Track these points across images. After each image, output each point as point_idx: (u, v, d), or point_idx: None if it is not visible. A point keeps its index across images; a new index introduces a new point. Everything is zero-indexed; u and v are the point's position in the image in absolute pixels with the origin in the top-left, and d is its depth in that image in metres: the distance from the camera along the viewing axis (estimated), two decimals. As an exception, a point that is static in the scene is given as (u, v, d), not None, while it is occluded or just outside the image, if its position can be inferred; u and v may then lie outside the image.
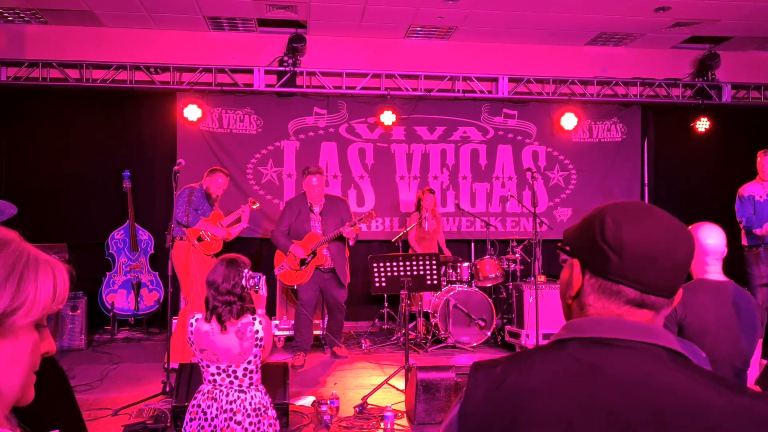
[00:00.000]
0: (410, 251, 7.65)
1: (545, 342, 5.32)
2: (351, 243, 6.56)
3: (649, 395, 1.05)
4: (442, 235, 8.01)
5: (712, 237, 3.08)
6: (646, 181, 9.32)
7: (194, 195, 6.20)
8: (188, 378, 4.39)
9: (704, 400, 1.04)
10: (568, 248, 1.25)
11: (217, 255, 6.21)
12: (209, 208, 6.40)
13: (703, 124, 8.80)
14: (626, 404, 1.05)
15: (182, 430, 3.29)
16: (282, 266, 6.46)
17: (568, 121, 8.60)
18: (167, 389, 5.00)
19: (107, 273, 7.84)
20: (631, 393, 1.05)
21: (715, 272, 3.08)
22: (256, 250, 8.26)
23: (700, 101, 8.74)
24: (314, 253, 6.38)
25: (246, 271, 3.24)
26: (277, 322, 7.22)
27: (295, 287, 6.48)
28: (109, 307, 7.68)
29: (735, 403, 1.04)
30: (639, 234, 1.13)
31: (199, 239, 6.21)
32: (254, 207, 6.76)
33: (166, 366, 5.30)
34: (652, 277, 1.13)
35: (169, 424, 4.32)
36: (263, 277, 3.32)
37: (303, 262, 6.38)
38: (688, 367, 1.10)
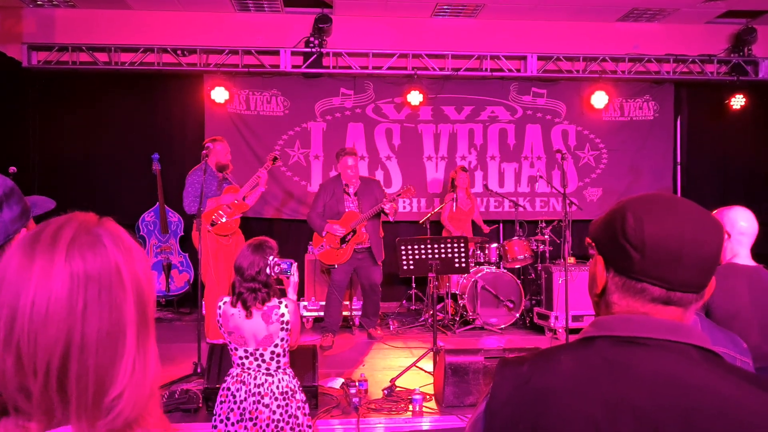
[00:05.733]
0: (444, 232, 7.63)
1: (574, 324, 5.28)
2: (391, 219, 6.49)
3: (678, 395, 1.02)
4: (477, 214, 7.94)
5: (744, 219, 3.01)
6: (678, 160, 9.14)
7: (195, 183, 6.00)
8: (219, 359, 4.44)
9: (736, 400, 1.01)
10: (594, 244, 1.22)
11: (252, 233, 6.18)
12: (222, 184, 6.25)
13: (738, 101, 8.58)
14: (655, 405, 1.03)
15: (213, 412, 3.33)
16: (322, 246, 6.44)
17: (599, 99, 8.44)
18: (198, 370, 5.07)
19: (138, 254, 7.94)
20: (659, 393, 1.03)
21: (744, 256, 3.02)
22: (283, 231, 8.31)
23: (736, 78, 8.51)
24: (354, 231, 6.38)
25: (271, 258, 3.24)
26: (305, 303, 7.26)
27: (336, 266, 6.47)
28: (141, 288, 7.79)
29: None
30: (661, 230, 1.10)
31: (212, 224, 6.07)
32: (274, 163, 6.27)
33: (207, 341, 5.41)
34: (678, 274, 1.09)
35: (200, 405, 4.38)
36: (295, 264, 3.31)
37: (343, 240, 6.37)
38: (720, 366, 1.07)
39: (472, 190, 8.34)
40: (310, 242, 7.20)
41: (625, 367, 1.07)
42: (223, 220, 6.12)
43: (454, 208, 7.54)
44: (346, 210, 6.44)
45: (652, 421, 1.02)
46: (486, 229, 7.89)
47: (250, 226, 6.48)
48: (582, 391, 1.08)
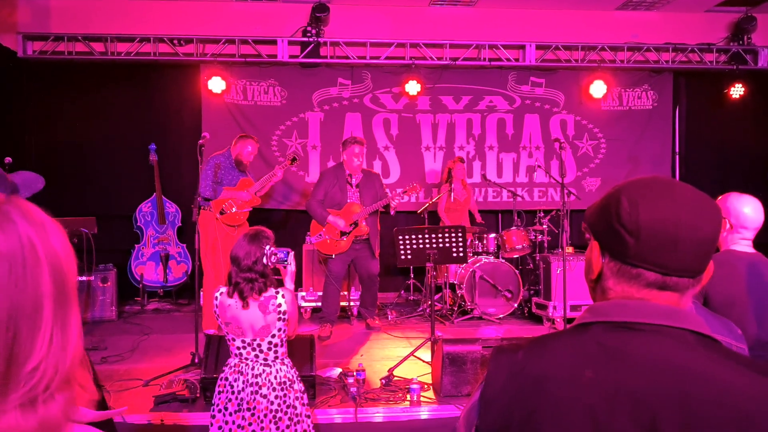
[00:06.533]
0: (441, 223, 7.61)
1: (573, 314, 5.25)
2: (392, 213, 6.47)
3: (675, 381, 1.01)
4: (474, 204, 7.92)
5: (749, 208, 2.98)
6: (677, 150, 9.13)
7: (220, 167, 6.17)
8: (216, 350, 4.43)
9: (734, 386, 1.00)
10: (589, 230, 1.21)
11: (251, 223, 6.24)
12: (238, 175, 6.34)
13: (737, 90, 8.56)
14: (652, 391, 1.01)
15: (211, 402, 3.33)
16: (320, 235, 6.39)
17: (598, 88, 8.42)
18: (196, 360, 5.07)
19: (136, 245, 7.94)
20: (656, 379, 1.02)
21: (745, 245, 3.00)
22: (281, 222, 8.30)
23: (735, 66, 8.48)
24: (356, 224, 6.36)
25: (268, 247, 3.22)
26: (303, 293, 7.26)
27: (333, 256, 6.45)
28: (139, 278, 7.79)
29: (767, 388, 1.00)
30: (657, 214, 1.08)
31: (222, 212, 6.16)
32: (292, 164, 6.48)
33: (205, 333, 5.41)
34: (674, 258, 1.08)
35: (198, 395, 4.38)
36: (291, 253, 3.30)
37: (344, 233, 6.35)
38: (717, 351, 1.06)
39: (469, 181, 8.33)
40: (308, 232, 7.19)
41: (621, 353, 1.06)
42: (233, 210, 6.20)
43: (452, 198, 7.52)
44: (348, 201, 6.40)
45: (649, 407, 1.00)
46: (480, 219, 7.86)
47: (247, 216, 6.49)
48: (578, 377, 1.07)
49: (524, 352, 1.15)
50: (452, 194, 7.49)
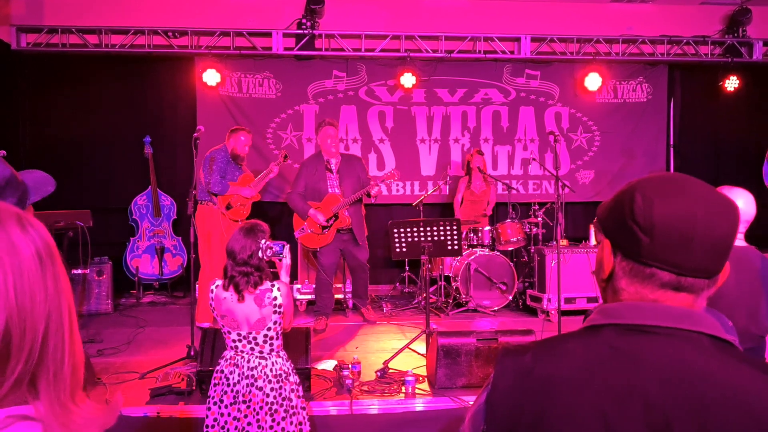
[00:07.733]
0: (461, 216, 7.61)
1: (567, 306, 5.24)
2: (373, 201, 6.46)
3: (689, 386, 0.99)
4: (494, 198, 7.83)
5: (740, 201, 3.00)
6: (672, 142, 9.15)
7: (219, 161, 6.20)
8: (212, 342, 4.44)
9: (750, 390, 0.98)
10: (600, 227, 1.17)
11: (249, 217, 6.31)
12: (237, 170, 6.38)
13: (732, 83, 8.57)
14: (665, 396, 0.99)
15: (207, 394, 3.34)
16: (302, 229, 6.37)
17: (593, 81, 8.42)
18: (192, 353, 5.08)
19: (131, 238, 7.94)
20: (670, 384, 0.99)
21: (737, 238, 3.01)
22: (277, 215, 8.29)
23: (730, 59, 8.49)
24: (336, 216, 6.35)
25: (263, 241, 3.23)
26: (298, 286, 7.26)
27: (318, 250, 6.46)
28: (134, 271, 7.79)
29: None
30: (671, 212, 1.04)
31: (228, 207, 6.24)
32: (285, 161, 6.54)
33: (199, 327, 5.43)
34: (689, 258, 1.04)
35: (194, 388, 4.39)
36: (287, 246, 3.31)
37: (325, 225, 6.35)
38: (733, 355, 1.03)
39: (462, 173, 8.32)
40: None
41: (634, 357, 1.03)
42: (237, 205, 6.30)
43: (476, 189, 7.57)
44: (328, 191, 6.37)
45: (662, 412, 0.98)
46: (489, 212, 7.85)
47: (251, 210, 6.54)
48: (589, 382, 1.04)
49: (533, 354, 1.11)
50: (470, 186, 7.61)
